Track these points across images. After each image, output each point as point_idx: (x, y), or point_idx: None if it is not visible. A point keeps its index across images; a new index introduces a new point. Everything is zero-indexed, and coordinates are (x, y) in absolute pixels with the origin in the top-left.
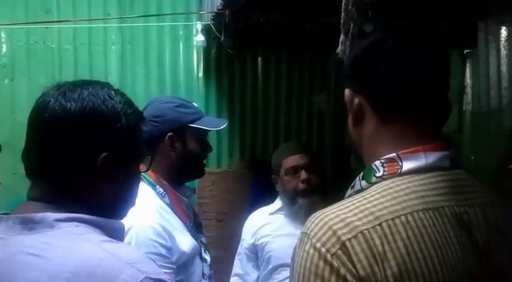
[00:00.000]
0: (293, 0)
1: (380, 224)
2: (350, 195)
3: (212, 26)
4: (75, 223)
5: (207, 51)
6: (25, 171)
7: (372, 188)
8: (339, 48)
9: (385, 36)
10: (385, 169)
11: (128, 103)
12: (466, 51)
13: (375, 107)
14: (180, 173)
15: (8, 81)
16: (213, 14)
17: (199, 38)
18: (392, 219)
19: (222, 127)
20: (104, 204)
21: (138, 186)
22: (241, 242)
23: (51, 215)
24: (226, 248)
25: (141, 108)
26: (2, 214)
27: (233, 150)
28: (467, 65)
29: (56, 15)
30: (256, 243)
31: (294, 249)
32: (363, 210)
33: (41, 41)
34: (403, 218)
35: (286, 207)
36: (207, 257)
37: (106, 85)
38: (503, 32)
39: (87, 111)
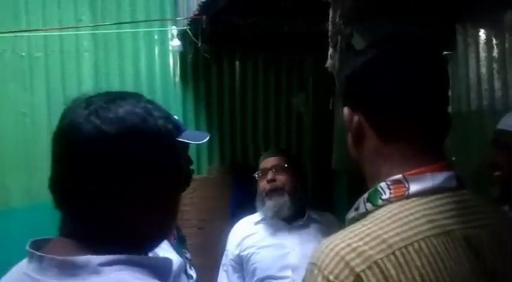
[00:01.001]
0: (270, 3)
1: (393, 253)
2: (354, 218)
3: (188, 31)
4: (119, 267)
5: (183, 55)
6: (55, 203)
7: (379, 211)
8: (328, 62)
9: (382, 52)
10: (392, 191)
11: (167, 117)
12: (445, 52)
13: (375, 125)
14: None
15: None
16: (190, 19)
17: (175, 43)
18: (405, 246)
19: (204, 140)
20: (148, 233)
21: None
22: (225, 253)
23: (95, 259)
24: (208, 256)
25: None
26: (32, 246)
27: (212, 156)
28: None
29: (25, 21)
30: (241, 254)
31: (303, 281)
32: (375, 238)
33: (10, 49)
34: (415, 245)
35: (259, 209)
36: (193, 273)
37: (139, 97)
38: (482, 34)
39: (127, 133)
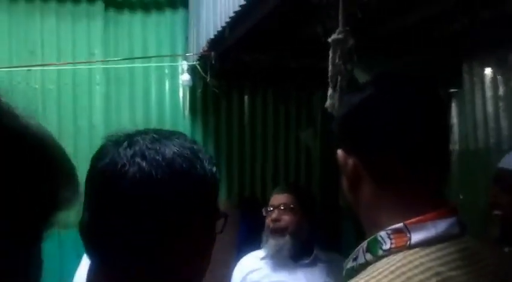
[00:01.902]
0: (278, 41)
1: None
2: (353, 268)
3: (198, 66)
4: None
5: (193, 89)
6: (87, 250)
7: (380, 263)
8: (328, 102)
9: (379, 90)
10: (393, 241)
11: (211, 159)
12: (451, 90)
13: (372, 167)
14: None
15: None
16: (199, 55)
17: (185, 77)
18: None
19: None
20: (189, 280)
21: None
22: None
23: None
24: None
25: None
26: None
27: (220, 190)
28: (453, 104)
29: (40, 55)
30: None
31: None
32: None
33: (24, 82)
34: None
35: (262, 246)
36: None
37: (183, 137)
38: (488, 73)
39: (175, 176)
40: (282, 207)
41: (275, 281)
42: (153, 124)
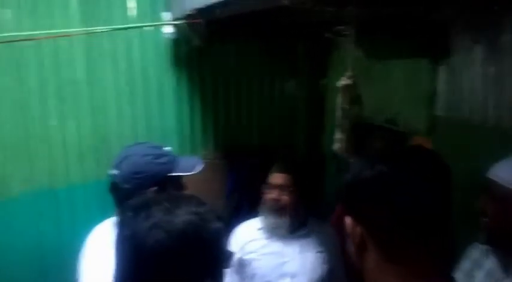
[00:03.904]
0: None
1: None
2: None
3: (186, 25)
4: None
5: (176, 42)
6: None
7: None
8: (336, 146)
9: (391, 171)
10: None
11: (217, 216)
12: (439, 58)
13: (379, 241)
14: None
15: None
16: (186, 22)
17: (168, 30)
18: None
19: (198, 170)
20: None
21: None
22: None
23: None
24: None
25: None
26: None
27: (207, 140)
28: (440, 71)
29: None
30: (243, 258)
31: None
32: None
33: None
34: None
35: (261, 216)
36: None
37: (191, 202)
38: (478, 51)
39: (188, 245)
40: (281, 188)
41: (272, 252)
42: (137, 77)
